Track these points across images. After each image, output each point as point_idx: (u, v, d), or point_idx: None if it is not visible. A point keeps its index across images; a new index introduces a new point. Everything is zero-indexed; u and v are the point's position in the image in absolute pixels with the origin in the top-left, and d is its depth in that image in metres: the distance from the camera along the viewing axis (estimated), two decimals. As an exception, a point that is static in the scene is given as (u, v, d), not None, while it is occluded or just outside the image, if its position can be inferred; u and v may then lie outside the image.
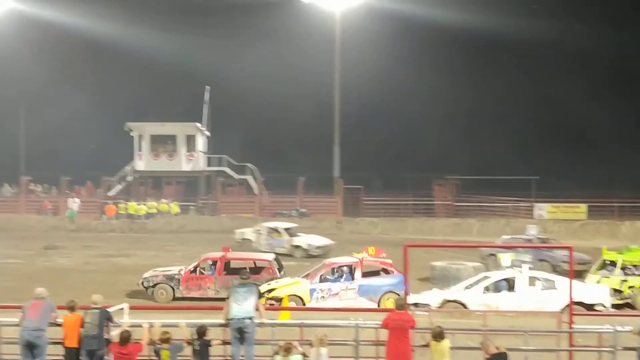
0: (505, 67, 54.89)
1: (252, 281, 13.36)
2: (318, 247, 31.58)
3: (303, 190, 46.48)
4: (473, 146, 54.98)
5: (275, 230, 32.66)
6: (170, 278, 22.02)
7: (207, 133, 50.63)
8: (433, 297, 18.83)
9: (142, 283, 22.11)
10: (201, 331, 11.80)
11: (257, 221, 42.58)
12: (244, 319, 11.94)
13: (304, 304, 19.61)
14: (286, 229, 32.83)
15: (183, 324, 12.00)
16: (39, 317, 11.60)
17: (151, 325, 11.76)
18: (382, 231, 40.52)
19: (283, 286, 20.14)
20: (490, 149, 52.93)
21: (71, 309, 11.58)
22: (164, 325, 11.86)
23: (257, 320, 12.16)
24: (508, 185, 43.95)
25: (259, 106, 54.87)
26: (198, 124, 48.91)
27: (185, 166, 48.70)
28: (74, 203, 44.76)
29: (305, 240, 32.15)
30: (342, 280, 20.38)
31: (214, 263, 22.18)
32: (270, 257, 23.26)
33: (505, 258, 21.17)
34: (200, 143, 49.57)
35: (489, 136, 54.24)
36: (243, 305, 12.01)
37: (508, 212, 43.47)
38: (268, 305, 16.67)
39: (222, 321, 12.18)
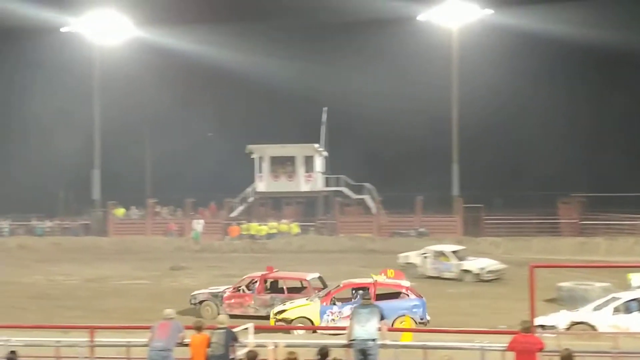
0: (626, 80, 52.72)
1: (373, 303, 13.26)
2: (490, 272, 29.59)
3: (421, 210, 46.04)
4: (594, 162, 52.90)
5: (442, 253, 30.62)
6: (215, 296, 22.68)
7: (325, 153, 51.08)
8: (560, 318, 18.13)
9: (190, 300, 22.79)
10: (323, 352, 11.75)
11: (375, 241, 42.60)
12: (366, 340, 11.85)
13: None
14: (454, 252, 30.69)
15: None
16: (166, 337, 11.90)
17: (276, 346, 11.84)
18: (504, 251, 39.39)
19: (294, 307, 19.82)
20: (613, 164, 50.81)
21: (198, 329, 11.82)
22: (288, 346, 11.91)
23: (380, 342, 12.04)
24: (636, 203, 41.99)
25: (376, 125, 54.78)
26: (316, 145, 49.45)
27: (304, 187, 49.29)
28: (198, 224, 45.97)
29: (476, 264, 29.98)
30: (353, 302, 19.02)
31: (256, 282, 22.56)
32: (311, 276, 22.70)
33: (636, 278, 20.19)
34: (318, 163, 50.09)
35: (610, 152, 52.15)
36: (366, 327, 11.93)
37: (636, 230, 41.50)
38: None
39: (344, 342, 12.14)
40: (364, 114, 54.20)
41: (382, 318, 12.44)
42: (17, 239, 47.24)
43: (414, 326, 18.74)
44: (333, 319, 19.37)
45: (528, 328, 11.77)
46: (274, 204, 51.60)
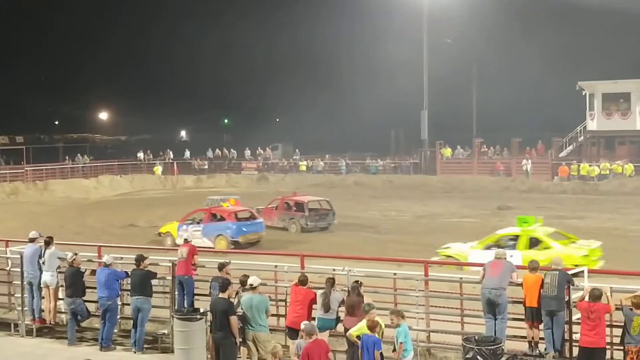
0: None
1: None
2: None
3: None
4: None
5: None
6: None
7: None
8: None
9: None
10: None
11: None
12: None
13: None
14: None
15: (607, 287, 11.26)
16: (499, 276, 12.03)
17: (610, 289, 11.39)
18: None
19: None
20: None
21: (533, 269, 11.78)
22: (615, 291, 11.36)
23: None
24: None
25: None
26: (654, 80, 45.66)
27: (641, 125, 45.96)
28: (527, 164, 45.35)
29: None
30: (196, 224, 25.20)
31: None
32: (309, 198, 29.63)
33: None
34: (657, 100, 46.27)
35: None
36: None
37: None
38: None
39: None
40: None
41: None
42: (353, 176, 50.46)
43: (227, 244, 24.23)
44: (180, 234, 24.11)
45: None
46: (607, 144, 48.84)
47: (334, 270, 13.13)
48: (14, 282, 15.04)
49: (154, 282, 13.68)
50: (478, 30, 56.41)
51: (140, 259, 13.46)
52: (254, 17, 64.25)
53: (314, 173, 51.92)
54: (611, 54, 53.40)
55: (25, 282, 14.33)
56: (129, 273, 13.48)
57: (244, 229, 25.18)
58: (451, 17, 53.76)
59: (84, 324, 14.16)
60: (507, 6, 55.41)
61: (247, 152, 57.37)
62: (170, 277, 13.90)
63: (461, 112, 58.93)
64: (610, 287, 11.46)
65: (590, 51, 54.95)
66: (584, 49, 55.47)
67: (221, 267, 12.87)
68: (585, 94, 47.43)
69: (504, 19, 56.59)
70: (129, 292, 13.70)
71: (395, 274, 14.32)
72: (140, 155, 56.83)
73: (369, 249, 23.30)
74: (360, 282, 11.73)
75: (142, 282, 13.25)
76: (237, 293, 11.89)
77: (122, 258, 14.74)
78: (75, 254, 13.99)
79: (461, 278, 13.47)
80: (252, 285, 11.52)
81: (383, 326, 10.53)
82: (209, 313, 11.80)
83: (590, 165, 44.18)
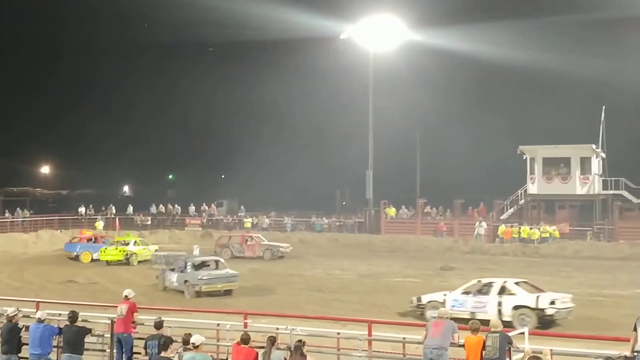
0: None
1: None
2: None
3: None
4: None
5: None
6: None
7: (603, 155, 48.41)
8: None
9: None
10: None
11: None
12: None
13: None
14: None
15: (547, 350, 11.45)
16: (441, 336, 12.08)
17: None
18: None
19: None
20: None
21: (474, 330, 11.86)
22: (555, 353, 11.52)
23: None
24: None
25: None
26: (593, 146, 47.03)
27: (580, 190, 47.13)
28: (481, 227, 45.96)
29: None
30: None
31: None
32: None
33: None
34: (596, 165, 47.61)
35: None
36: None
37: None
38: None
39: (627, 353, 11.49)
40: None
41: None
42: (298, 233, 50.51)
43: None
44: None
45: None
46: (547, 207, 49.88)
47: (277, 329, 13.02)
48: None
49: (91, 339, 13.35)
50: (423, 93, 57.69)
51: (74, 316, 13.15)
52: (199, 74, 64.52)
53: (259, 230, 51.73)
54: (552, 119, 54.93)
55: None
56: (62, 329, 13.16)
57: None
58: (396, 80, 54.96)
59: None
60: (453, 71, 56.92)
61: (192, 208, 56.91)
62: (109, 335, 13.59)
63: (405, 173, 59.70)
64: (551, 350, 11.62)
65: (531, 116, 56.51)
66: (525, 114, 57.05)
67: (158, 325, 12.65)
68: (526, 158, 48.53)
69: (448, 83, 58.08)
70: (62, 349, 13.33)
71: (339, 333, 14.29)
72: (82, 210, 55.93)
73: (313, 308, 23.14)
74: (304, 342, 11.63)
75: (76, 339, 12.92)
76: (177, 352, 11.68)
77: (60, 314, 14.38)
78: (18, 310, 13.61)
79: (404, 338, 13.51)
80: (194, 344, 11.32)
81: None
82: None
83: (531, 228, 44.96)
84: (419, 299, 21.52)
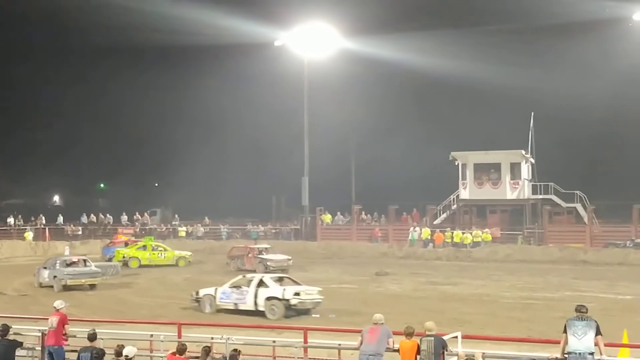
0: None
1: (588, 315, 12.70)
2: None
3: (639, 219, 43.37)
4: None
5: None
6: None
7: (532, 160, 49.58)
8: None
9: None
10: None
11: (588, 252, 40.67)
12: (584, 353, 11.40)
13: None
14: None
15: (479, 353, 11.72)
16: (376, 342, 12.14)
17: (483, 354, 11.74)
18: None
19: None
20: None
21: (409, 335, 11.96)
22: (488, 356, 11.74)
23: (597, 357, 11.55)
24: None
25: (587, 129, 52.29)
26: (522, 151, 48.14)
27: (510, 194, 48.17)
28: (415, 231, 46.43)
29: None
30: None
31: None
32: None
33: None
34: (525, 170, 48.72)
35: None
36: (582, 340, 11.49)
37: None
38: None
39: (557, 355, 11.76)
40: (575, 117, 51.74)
41: (598, 333, 11.89)
42: (234, 242, 49.97)
43: None
44: None
45: None
46: (479, 212, 50.80)
47: (212, 338, 12.90)
48: None
49: (21, 352, 13.00)
50: (357, 101, 58.08)
51: (5, 329, 12.78)
52: (130, 79, 63.43)
53: (193, 239, 51.23)
54: (484, 126, 56.00)
55: None
56: None
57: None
58: (331, 87, 55.19)
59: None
60: (387, 79, 57.45)
61: (124, 218, 55.96)
62: (40, 348, 13.25)
63: (341, 180, 59.98)
64: (483, 353, 11.82)
65: (464, 123, 57.43)
66: (458, 121, 57.95)
67: (92, 337, 12.40)
68: (458, 164, 49.36)
69: (382, 91, 58.56)
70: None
71: (274, 341, 14.25)
72: (11, 220, 54.33)
73: (248, 317, 22.98)
74: (239, 351, 11.56)
75: (6, 353, 12.55)
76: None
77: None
78: None
79: (340, 344, 13.54)
80: (127, 356, 11.12)
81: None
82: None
83: (463, 233, 45.68)
84: (197, 293, 24.23)
